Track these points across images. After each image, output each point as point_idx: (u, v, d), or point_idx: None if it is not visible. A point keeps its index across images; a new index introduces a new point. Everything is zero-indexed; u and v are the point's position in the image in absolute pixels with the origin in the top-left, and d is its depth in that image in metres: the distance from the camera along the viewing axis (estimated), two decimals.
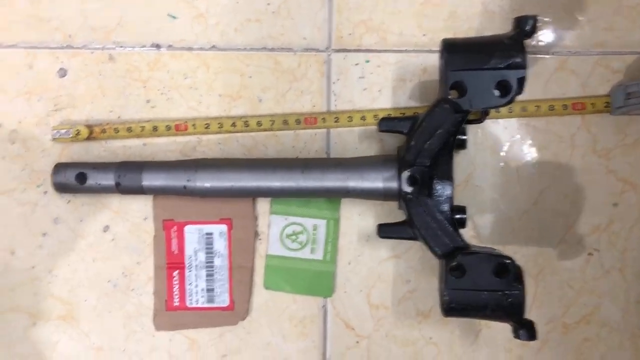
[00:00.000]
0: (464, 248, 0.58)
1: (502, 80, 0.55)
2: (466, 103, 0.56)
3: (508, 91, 0.55)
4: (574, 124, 0.67)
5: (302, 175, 0.63)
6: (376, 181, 0.62)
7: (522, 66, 0.55)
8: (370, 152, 0.69)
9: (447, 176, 0.59)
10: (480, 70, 0.55)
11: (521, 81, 0.55)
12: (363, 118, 0.68)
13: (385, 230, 0.62)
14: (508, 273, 0.55)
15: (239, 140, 0.69)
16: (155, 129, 0.68)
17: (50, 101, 0.69)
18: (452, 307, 0.56)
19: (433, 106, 0.58)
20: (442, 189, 0.59)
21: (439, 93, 0.59)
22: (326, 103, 0.69)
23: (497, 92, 0.56)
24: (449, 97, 0.56)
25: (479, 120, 0.63)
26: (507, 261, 0.56)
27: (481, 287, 0.56)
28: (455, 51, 0.57)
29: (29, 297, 0.69)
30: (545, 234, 0.68)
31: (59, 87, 0.69)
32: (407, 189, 0.59)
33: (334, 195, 0.65)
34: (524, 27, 0.55)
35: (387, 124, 0.62)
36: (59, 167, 0.66)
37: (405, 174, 0.59)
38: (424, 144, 0.59)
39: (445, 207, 0.59)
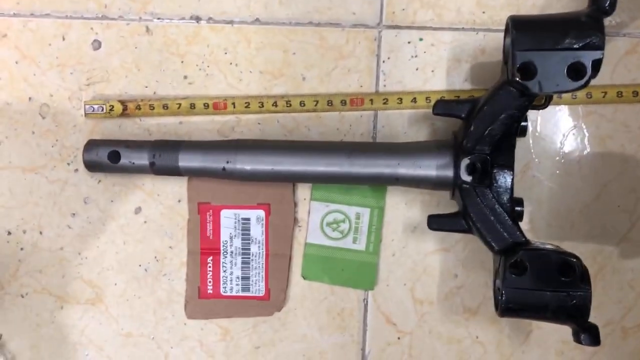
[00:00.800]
0: (524, 244, 0.54)
1: (575, 62, 0.50)
2: (535, 86, 0.51)
3: (582, 74, 0.50)
4: None
5: (348, 160, 0.59)
6: (429, 169, 0.57)
7: (600, 47, 0.50)
8: (420, 137, 0.64)
9: (508, 165, 0.55)
10: (551, 51, 0.50)
11: (597, 64, 0.50)
12: (414, 100, 0.63)
13: (436, 222, 0.58)
14: (574, 272, 0.51)
15: (280, 120, 0.65)
16: (192, 106, 0.64)
17: (83, 74, 0.65)
18: (510, 307, 0.52)
19: (497, 89, 0.54)
20: (502, 179, 0.55)
21: (504, 74, 0.55)
22: (374, 83, 0.64)
23: (568, 75, 0.51)
24: (516, 79, 0.51)
25: (542, 105, 0.58)
26: (574, 260, 0.51)
27: (543, 286, 0.51)
28: (524, 29, 0.52)
29: (57, 279, 0.67)
30: (606, 230, 0.63)
31: (93, 60, 0.65)
32: (466, 177, 0.54)
33: (382, 183, 0.61)
34: (603, 4, 0.50)
35: (444, 106, 0.58)
36: (91, 144, 0.63)
37: (465, 161, 0.54)
38: (484, 129, 0.54)
39: (505, 198, 0.55)
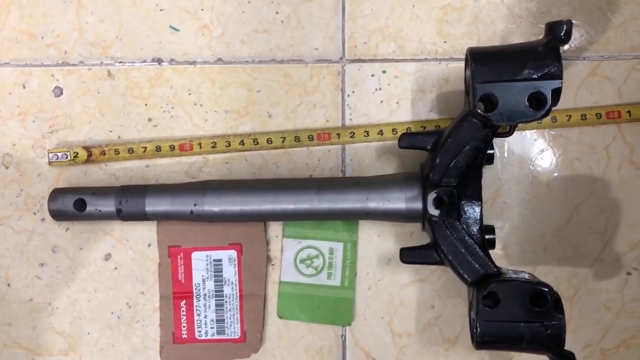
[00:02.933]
0: (496, 274, 0.54)
1: (535, 92, 0.50)
2: (497, 117, 0.51)
3: (542, 104, 0.51)
4: (608, 134, 0.63)
5: (318, 197, 0.58)
6: (398, 202, 0.57)
7: (558, 76, 0.50)
8: (389, 170, 0.64)
9: (476, 196, 0.55)
10: (511, 82, 0.51)
11: (557, 92, 0.50)
12: (380, 133, 0.63)
13: (408, 255, 0.58)
14: (546, 302, 0.51)
15: (248, 159, 0.65)
16: (158, 149, 0.64)
17: (46, 122, 0.65)
18: (485, 341, 0.52)
19: (459, 121, 0.54)
20: (470, 210, 0.55)
21: (466, 106, 0.55)
22: (340, 117, 0.64)
23: (528, 105, 0.51)
24: (477, 110, 0.52)
25: (507, 133, 0.58)
26: (545, 289, 0.51)
27: (517, 318, 0.51)
28: (483, 61, 0.52)
29: (28, 331, 0.66)
30: (579, 252, 0.64)
31: (55, 107, 0.65)
32: (434, 212, 0.54)
33: (353, 218, 0.61)
34: (558, 33, 0.51)
35: (409, 139, 0.57)
36: (56, 193, 0.62)
37: (431, 195, 0.54)
38: (450, 162, 0.54)
39: (475, 229, 0.55)
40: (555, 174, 0.64)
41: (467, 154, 0.54)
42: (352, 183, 0.59)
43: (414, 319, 0.65)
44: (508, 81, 0.51)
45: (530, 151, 0.64)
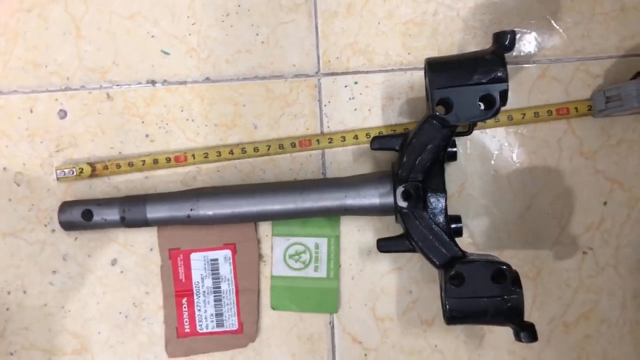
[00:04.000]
0: (461, 257, 0.60)
1: (485, 94, 0.57)
2: (453, 118, 0.58)
3: (492, 104, 0.57)
4: (559, 129, 0.70)
5: (301, 197, 0.65)
6: (373, 198, 0.64)
7: (504, 80, 0.57)
8: (365, 170, 0.71)
9: (440, 188, 0.61)
10: (464, 87, 0.57)
11: (504, 94, 0.57)
12: (356, 137, 0.70)
13: (385, 245, 0.64)
14: (505, 278, 0.57)
15: (237, 166, 0.71)
16: (155, 161, 0.70)
17: (53, 142, 0.71)
18: (454, 316, 0.58)
19: (422, 123, 0.61)
20: (436, 201, 0.61)
21: (427, 110, 0.62)
22: (319, 125, 0.71)
23: (482, 106, 0.58)
24: (436, 113, 0.58)
25: (467, 132, 0.65)
26: (504, 267, 0.57)
27: (480, 294, 0.57)
28: (439, 70, 0.59)
29: (43, 334, 0.71)
30: (540, 236, 0.70)
31: (60, 128, 0.71)
32: (402, 203, 0.61)
33: (333, 214, 0.67)
34: (503, 41, 0.58)
35: (379, 142, 0.64)
36: (65, 206, 0.68)
37: (400, 189, 0.61)
38: (415, 159, 0.61)
39: (440, 218, 0.61)
40: (514, 167, 0.70)
41: (430, 151, 0.61)
42: (331, 183, 0.66)
43: (395, 304, 0.71)
44: (461, 86, 0.57)
45: (491, 147, 0.70)
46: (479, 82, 0.57)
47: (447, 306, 0.58)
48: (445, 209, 0.61)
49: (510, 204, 0.70)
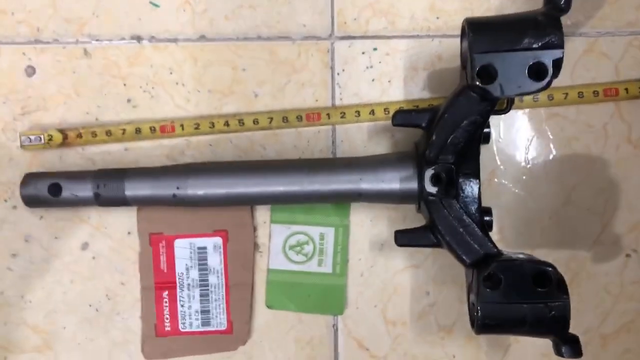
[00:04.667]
0: (496, 255, 0.51)
1: (535, 63, 0.48)
2: (496, 89, 0.49)
3: (543, 75, 0.49)
4: (606, 112, 0.61)
5: (308, 178, 0.56)
6: (392, 182, 0.55)
7: (560, 46, 0.48)
8: (381, 150, 0.62)
9: (474, 174, 0.53)
10: (511, 52, 0.49)
11: (558, 63, 0.48)
12: (372, 112, 0.61)
13: (404, 238, 0.55)
14: (550, 282, 0.49)
15: (233, 141, 0.62)
16: (138, 131, 0.61)
17: (18, 103, 0.61)
18: (487, 324, 0.50)
19: (457, 95, 0.52)
20: (469, 189, 0.52)
21: (462, 80, 0.53)
22: (330, 97, 0.62)
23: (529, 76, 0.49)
24: (476, 83, 0.49)
25: (504, 110, 0.56)
26: (549, 269, 0.49)
27: (519, 299, 0.49)
28: (482, 31, 0.50)
29: None
30: (578, 234, 0.62)
31: (27, 88, 0.61)
32: (431, 189, 0.52)
33: (345, 200, 0.58)
34: (559, 1, 0.49)
35: (403, 117, 0.55)
36: (29, 178, 0.58)
37: (429, 172, 0.52)
38: (447, 138, 0.52)
39: (473, 209, 0.53)
40: (552, 154, 0.62)
41: (464, 129, 0.52)
42: (344, 163, 0.57)
43: (409, 307, 0.62)
44: (507, 51, 0.49)
45: (527, 131, 0.62)
46: (529, 47, 0.48)
47: (480, 312, 0.49)
48: (479, 197, 0.53)
49: (545, 197, 0.62)
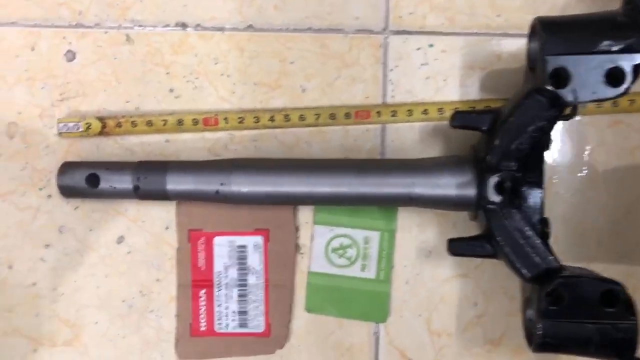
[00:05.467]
0: (558, 270, 0.49)
1: (613, 67, 0.45)
2: (569, 94, 0.46)
3: (620, 80, 0.45)
4: None
5: (357, 179, 0.53)
6: (448, 188, 0.52)
7: (639, 50, 0.45)
8: (433, 153, 0.59)
9: (538, 183, 0.50)
10: (587, 55, 0.45)
11: (637, 69, 0.45)
12: (425, 112, 0.58)
13: (458, 247, 0.52)
14: (618, 301, 0.46)
15: (278, 137, 0.59)
16: (180, 122, 0.58)
17: (56, 89, 0.59)
18: (547, 342, 0.47)
19: (524, 98, 0.48)
20: (532, 199, 0.50)
21: (529, 82, 0.50)
22: (381, 94, 0.59)
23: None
24: (547, 87, 0.46)
25: (569, 116, 0.53)
26: (617, 287, 0.46)
27: (584, 318, 0.46)
28: (556, 32, 0.47)
29: (30, 318, 0.60)
30: (638, 249, 0.59)
31: (67, 73, 0.59)
32: (495, 198, 0.49)
33: (395, 204, 0.56)
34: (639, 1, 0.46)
35: (463, 118, 0.52)
36: (66, 167, 0.56)
37: (493, 179, 0.49)
38: (510, 143, 0.49)
39: (535, 219, 0.50)
40: (613, 164, 0.58)
41: (530, 135, 0.49)
42: (396, 166, 0.54)
43: (455, 317, 0.60)
44: (583, 54, 0.45)
45: (587, 138, 0.58)
46: (607, 50, 0.45)
47: (542, 329, 0.46)
48: (542, 208, 0.50)
49: (604, 208, 0.59)
